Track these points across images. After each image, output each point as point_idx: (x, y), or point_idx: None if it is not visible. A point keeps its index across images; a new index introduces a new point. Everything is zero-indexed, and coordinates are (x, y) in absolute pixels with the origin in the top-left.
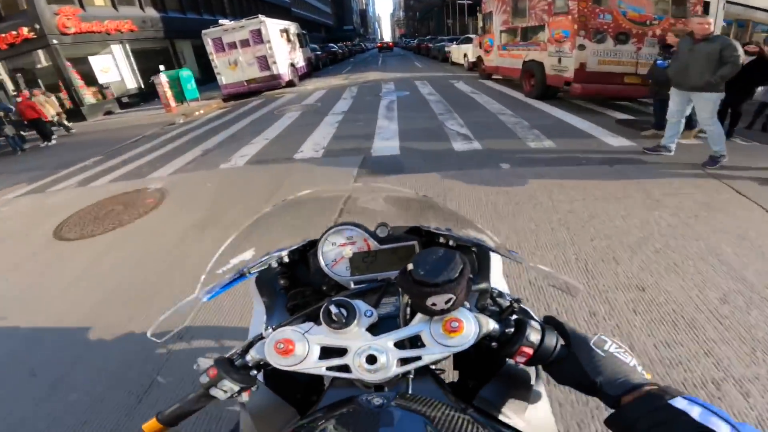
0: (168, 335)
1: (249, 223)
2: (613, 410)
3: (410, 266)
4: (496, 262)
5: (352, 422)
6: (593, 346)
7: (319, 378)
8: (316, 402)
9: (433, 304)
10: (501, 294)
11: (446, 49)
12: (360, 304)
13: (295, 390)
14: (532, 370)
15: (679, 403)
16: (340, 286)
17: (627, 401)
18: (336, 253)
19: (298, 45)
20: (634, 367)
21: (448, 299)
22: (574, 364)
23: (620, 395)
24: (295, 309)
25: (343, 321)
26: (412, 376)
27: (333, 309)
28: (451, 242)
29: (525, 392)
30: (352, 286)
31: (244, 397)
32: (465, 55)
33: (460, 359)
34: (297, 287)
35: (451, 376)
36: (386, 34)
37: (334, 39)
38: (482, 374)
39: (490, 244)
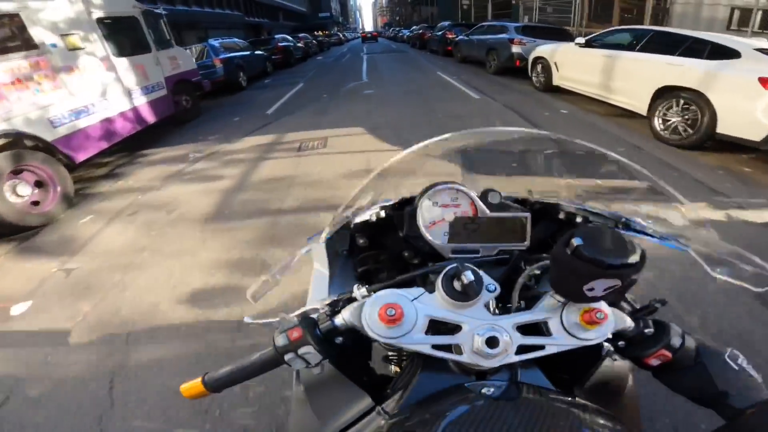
0: (268, 290)
1: (374, 174)
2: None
3: (576, 241)
4: None
5: (481, 416)
6: (728, 359)
7: (367, 353)
8: (374, 377)
9: (591, 289)
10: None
11: (516, 50)
12: (486, 277)
13: (359, 369)
14: (626, 370)
15: None
16: (431, 254)
17: (749, 414)
18: (435, 215)
19: (93, 56)
20: (761, 383)
21: (612, 286)
22: (701, 374)
23: (746, 408)
24: (365, 275)
25: (469, 292)
26: (519, 363)
27: (467, 276)
28: (578, 218)
29: (618, 393)
30: (450, 254)
31: (317, 370)
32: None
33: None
34: (370, 250)
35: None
36: (368, 23)
37: (307, 28)
38: (571, 367)
39: (641, 222)
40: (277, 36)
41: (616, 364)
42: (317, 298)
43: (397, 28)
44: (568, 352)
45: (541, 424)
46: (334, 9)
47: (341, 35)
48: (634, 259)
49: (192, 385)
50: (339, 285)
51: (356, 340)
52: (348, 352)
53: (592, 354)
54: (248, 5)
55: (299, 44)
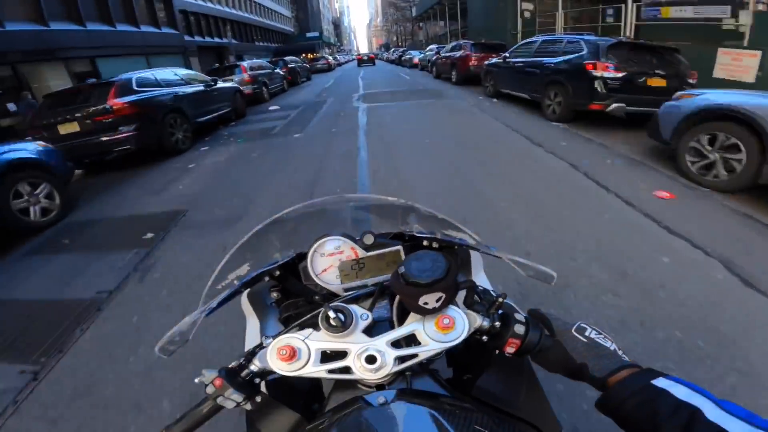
0: (174, 350)
1: (243, 241)
2: (601, 393)
3: (402, 269)
4: (477, 260)
5: (360, 420)
6: (575, 333)
7: (319, 384)
8: (321, 407)
9: (425, 303)
10: (486, 291)
11: None
12: (355, 309)
13: (297, 397)
14: (522, 363)
15: (661, 382)
16: (332, 295)
17: (612, 383)
18: (325, 263)
19: None
20: (614, 351)
21: (439, 297)
22: (559, 352)
23: (606, 377)
24: (288, 320)
25: (341, 325)
26: (410, 374)
27: (331, 314)
28: (434, 244)
29: (518, 380)
30: (343, 293)
31: (249, 405)
32: None
33: (452, 356)
34: (289, 299)
35: (447, 374)
36: (362, 45)
37: (292, 50)
38: (475, 367)
39: (470, 242)
40: (126, 76)
41: (510, 359)
42: (249, 345)
43: (401, 49)
44: (465, 354)
45: (415, 421)
46: (326, 30)
47: (330, 59)
48: (441, 275)
49: None
50: (272, 330)
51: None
52: (290, 384)
53: (485, 354)
54: (199, 21)
55: (227, 84)
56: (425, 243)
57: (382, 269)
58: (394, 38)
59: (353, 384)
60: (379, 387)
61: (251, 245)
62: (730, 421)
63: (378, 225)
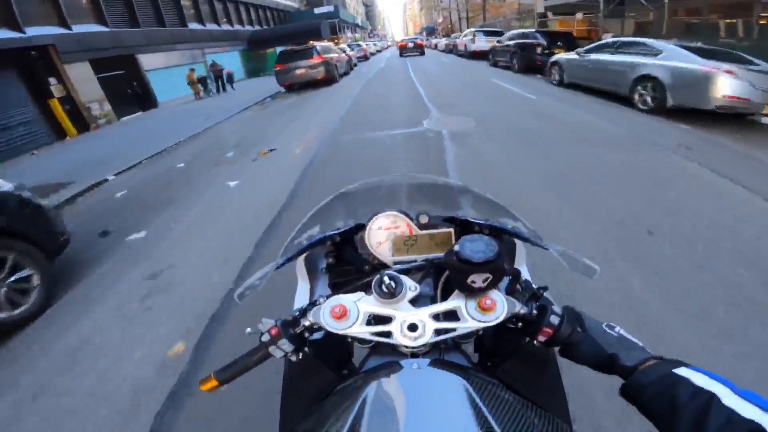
0: (248, 296)
1: (317, 208)
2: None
3: (457, 247)
4: (521, 252)
5: (393, 382)
6: (605, 329)
7: (351, 352)
8: (350, 372)
9: (473, 282)
10: (528, 282)
11: None
12: (406, 280)
13: (331, 359)
14: (549, 352)
15: (682, 371)
16: (383, 266)
17: (640, 369)
18: (381, 237)
19: None
20: (642, 346)
21: (486, 278)
22: (590, 344)
23: (636, 365)
24: (336, 285)
25: (392, 292)
26: (444, 346)
27: (386, 280)
28: (485, 231)
29: (541, 372)
30: (393, 265)
31: (294, 357)
32: None
33: (480, 341)
34: (340, 266)
35: (472, 358)
36: (397, 32)
37: (285, 36)
38: (502, 354)
39: (523, 230)
40: None
41: (536, 350)
42: (299, 304)
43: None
44: (493, 341)
45: (443, 387)
46: (355, 10)
47: (334, 54)
48: (492, 257)
49: (207, 382)
50: (321, 293)
51: (335, 341)
52: (327, 348)
53: (513, 341)
54: None
55: None
56: (476, 229)
57: (431, 248)
58: (440, 20)
59: (390, 350)
60: (414, 355)
61: (322, 213)
62: (746, 407)
63: (433, 205)
